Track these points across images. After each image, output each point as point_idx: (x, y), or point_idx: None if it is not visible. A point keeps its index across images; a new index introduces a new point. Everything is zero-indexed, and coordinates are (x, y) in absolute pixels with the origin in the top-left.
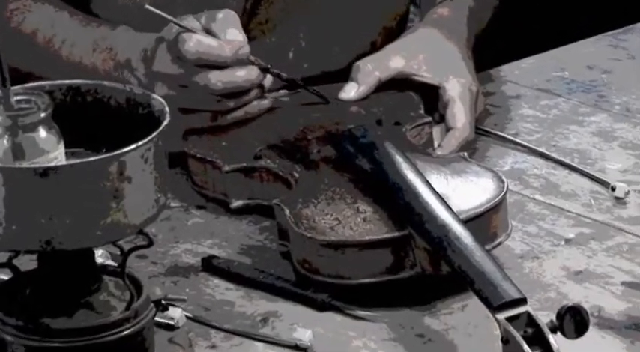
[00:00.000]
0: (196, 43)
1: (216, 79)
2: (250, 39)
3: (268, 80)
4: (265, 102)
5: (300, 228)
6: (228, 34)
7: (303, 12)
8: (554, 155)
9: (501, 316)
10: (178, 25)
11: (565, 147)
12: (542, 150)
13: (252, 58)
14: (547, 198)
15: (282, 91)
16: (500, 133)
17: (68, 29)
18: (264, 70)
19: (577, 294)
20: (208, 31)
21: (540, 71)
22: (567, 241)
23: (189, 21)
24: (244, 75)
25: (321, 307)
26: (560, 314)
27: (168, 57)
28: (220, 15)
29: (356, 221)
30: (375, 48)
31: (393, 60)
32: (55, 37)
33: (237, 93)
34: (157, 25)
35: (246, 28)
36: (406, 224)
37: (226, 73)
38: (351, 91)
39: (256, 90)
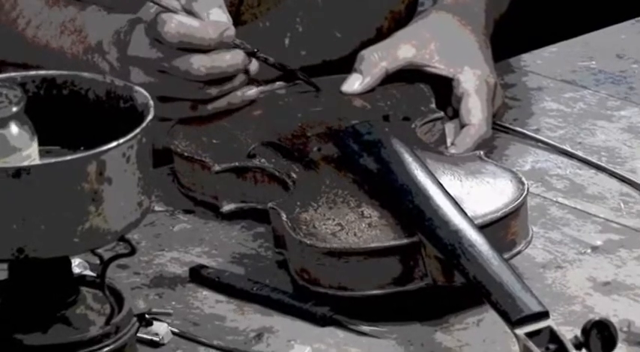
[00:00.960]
0: (178, 24)
1: (199, 63)
2: (241, 23)
3: (254, 65)
4: (250, 93)
5: (298, 234)
6: (212, 15)
7: None
8: (579, 153)
9: (521, 331)
10: (157, 4)
11: (592, 145)
12: (567, 148)
13: (237, 41)
14: (572, 201)
15: (278, 83)
16: (520, 129)
17: (33, 9)
18: (251, 54)
19: (605, 307)
20: (189, 12)
21: (565, 60)
22: (594, 249)
23: (167, 1)
24: (229, 59)
25: (321, 322)
26: (586, 330)
27: (145, 40)
28: None
29: (360, 226)
30: (381, 34)
31: (402, 49)
32: (19, 17)
33: (220, 79)
34: (130, 5)
35: (237, 12)
36: (416, 230)
37: (210, 57)
38: (354, 83)
39: (241, 77)
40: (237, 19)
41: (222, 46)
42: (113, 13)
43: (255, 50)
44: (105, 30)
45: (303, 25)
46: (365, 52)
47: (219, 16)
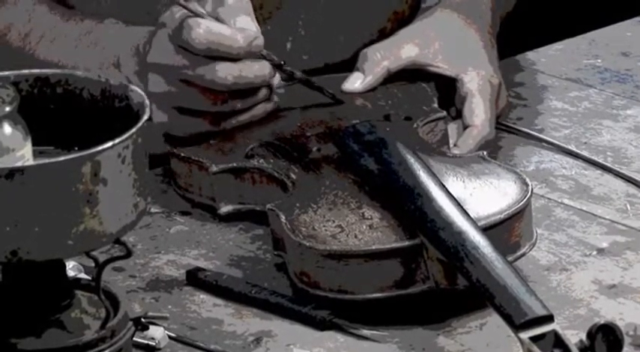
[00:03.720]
0: (206, 30)
1: (226, 72)
2: None
3: (276, 78)
4: (270, 105)
5: (297, 236)
6: (239, 22)
7: None
8: (585, 154)
9: (525, 335)
10: (184, 7)
11: (597, 145)
12: (572, 148)
13: (264, 52)
14: (577, 202)
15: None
16: (524, 129)
17: (48, 24)
18: (277, 67)
19: (610, 311)
20: (215, 18)
21: (570, 59)
22: (600, 251)
23: (194, 6)
24: (256, 70)
25: (321, 326)
26: (592, 334)
27: (169, 46)
28: (230, 0)
29: (361, 228)
30: (384, 35)
31: (405, 48)
32: (32, 32)
33: (245, 91)
34: (148, 18)
35: None
36: (418, 232)
37: (237, 65)
38: (355, 82)
39: (265, 90)
40: None
41: (249, 55)
42: (131, 26)
43: (282, 62)
44: (123, 43)
45: (306, 29)
46: (367, 51)
47: (247, 23)
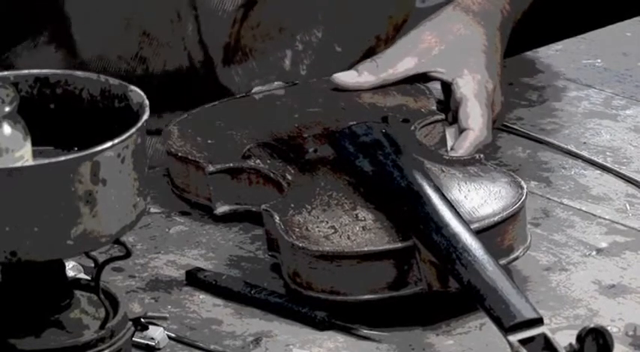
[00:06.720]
0: None
1: None
2: (241, 47)
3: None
4: None
5: (290, 237)
6: None
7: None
8: (584, 154)
9: (514, 338)
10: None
11: (597, 145)
12: (571, 148)
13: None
14: (576, 202)
15: (277, 83)
16: (522, 129)
17: None
18: None
19: (610, 311)
20: None
21: (570, 59)
22: (599, 251)
23: None
24: None
25: (320, 326)
26: (581, 337)
27: None
28: None
29: (354, 229)
30: (380, 41)
31: (404, 61)
32: None
33: None
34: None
35: (237, 34)
36: (411, 233)
37: None
38: (347, 77)
39: None
40: (237, 42)
41: None
42: None
43: None
44: None
45: (304, 43)
46: (368, 59)
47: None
